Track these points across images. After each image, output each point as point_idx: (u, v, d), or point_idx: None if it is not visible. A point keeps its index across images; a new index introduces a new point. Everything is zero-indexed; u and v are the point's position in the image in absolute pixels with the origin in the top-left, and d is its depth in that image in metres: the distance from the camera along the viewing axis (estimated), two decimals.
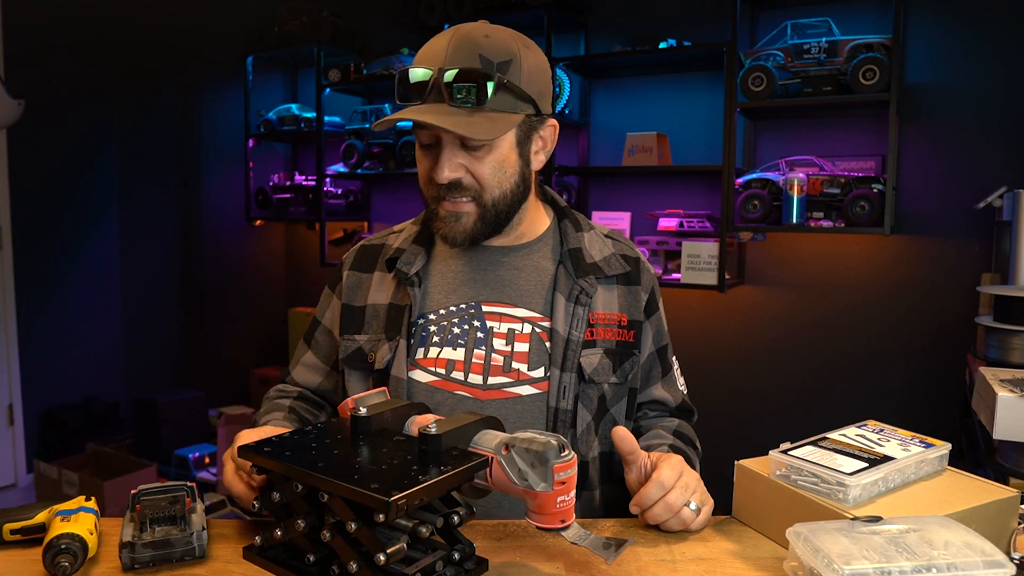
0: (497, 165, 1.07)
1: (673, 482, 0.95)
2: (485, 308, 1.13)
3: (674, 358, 1.28)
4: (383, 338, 1.13)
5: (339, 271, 1.25)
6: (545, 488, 0.76)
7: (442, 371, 1.10)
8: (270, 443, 0.81)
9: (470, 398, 1.08)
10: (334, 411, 1.28)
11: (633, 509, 0.97)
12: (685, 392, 1.29)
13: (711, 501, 1.00)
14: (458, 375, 1.10)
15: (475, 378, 1.09)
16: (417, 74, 1.02)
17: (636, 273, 1.20)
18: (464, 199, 1.07)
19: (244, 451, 0.80)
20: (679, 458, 1.01)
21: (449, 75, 1.00)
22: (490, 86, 1.01)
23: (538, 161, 1.14)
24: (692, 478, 0.99)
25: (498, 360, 1.10)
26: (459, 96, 1.00)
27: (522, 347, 1.11)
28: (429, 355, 1.11)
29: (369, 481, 0.70)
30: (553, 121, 1.13)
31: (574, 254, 1.16)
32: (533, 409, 1.09)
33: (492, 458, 0.78)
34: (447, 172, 1.05)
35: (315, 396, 1.28)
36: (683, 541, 0.93)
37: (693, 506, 0.95)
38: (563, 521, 0.78)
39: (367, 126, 3.40)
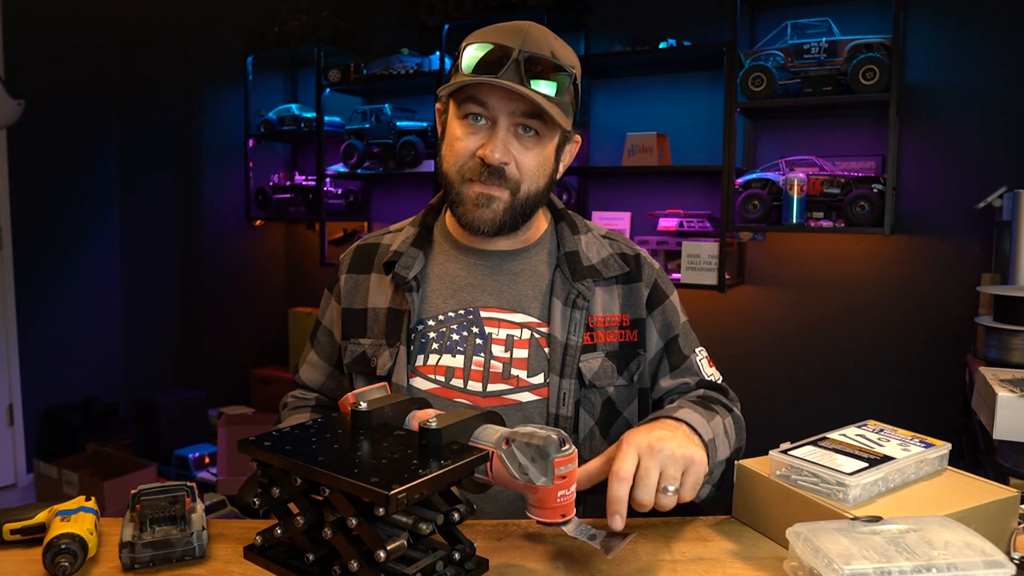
0: (542, 160, 1.08)
1: (630, 472, 0.85)
2: (483, 314, 1.12)
3: (698, 349, 1.20)
4: (384, 344, 1.13)
5: (336, 274, 1.24)
6: (546, 483, 0.76)
7: (441, 378, 1.10)
8: (270, 437, 0.81)
9: (470, 406, 1.08)
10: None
11: (612, 520, 0.84)
12: (717, 380, 1.20)
13: (699, 458, 0.90)
14: (457, 382, 1.09)
15: (474, 385, 1.09)
16: (494, 48, 1.01)
17: (636, 271, 1.18)
18: (499, 185, 1.06)
19: (244, 446, 0.80)
20: (627, 436, 0.90)
21: (530, 57, 1.01)
22: (566, 80, 1.03)
23: (559, 171, 1.16)
24: (655, 460, 0.87)
25: (497, 367, 1.09)
26: (540, 80, 1.01)
27: (521, 353, 1.10)
28: (429, 362, 1.11)
29: (369, 475, 0.70)
30: (578, 138, 1.16)
31: (571, 257, 1.14)
32: (533, 416, 1.08)
33: (492, 452, 0.78)
34: (500, 154, 1.03)
35: (327, 399, 1.28)
36: (683, 541, 0.93)
37: (670, 490, 0.87)
38: (563, 516, 0.78)
39: (367, 126, 3.40)
